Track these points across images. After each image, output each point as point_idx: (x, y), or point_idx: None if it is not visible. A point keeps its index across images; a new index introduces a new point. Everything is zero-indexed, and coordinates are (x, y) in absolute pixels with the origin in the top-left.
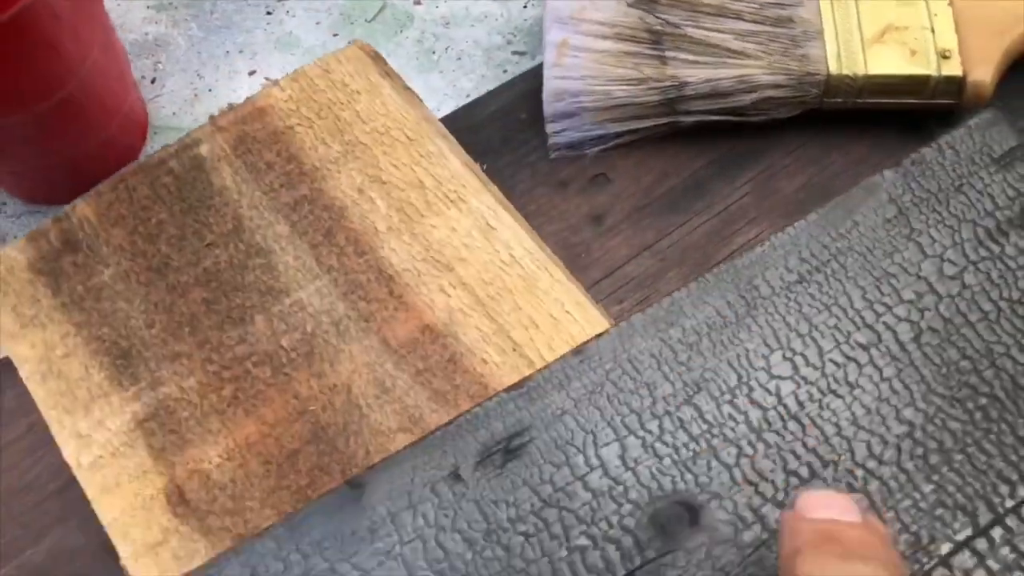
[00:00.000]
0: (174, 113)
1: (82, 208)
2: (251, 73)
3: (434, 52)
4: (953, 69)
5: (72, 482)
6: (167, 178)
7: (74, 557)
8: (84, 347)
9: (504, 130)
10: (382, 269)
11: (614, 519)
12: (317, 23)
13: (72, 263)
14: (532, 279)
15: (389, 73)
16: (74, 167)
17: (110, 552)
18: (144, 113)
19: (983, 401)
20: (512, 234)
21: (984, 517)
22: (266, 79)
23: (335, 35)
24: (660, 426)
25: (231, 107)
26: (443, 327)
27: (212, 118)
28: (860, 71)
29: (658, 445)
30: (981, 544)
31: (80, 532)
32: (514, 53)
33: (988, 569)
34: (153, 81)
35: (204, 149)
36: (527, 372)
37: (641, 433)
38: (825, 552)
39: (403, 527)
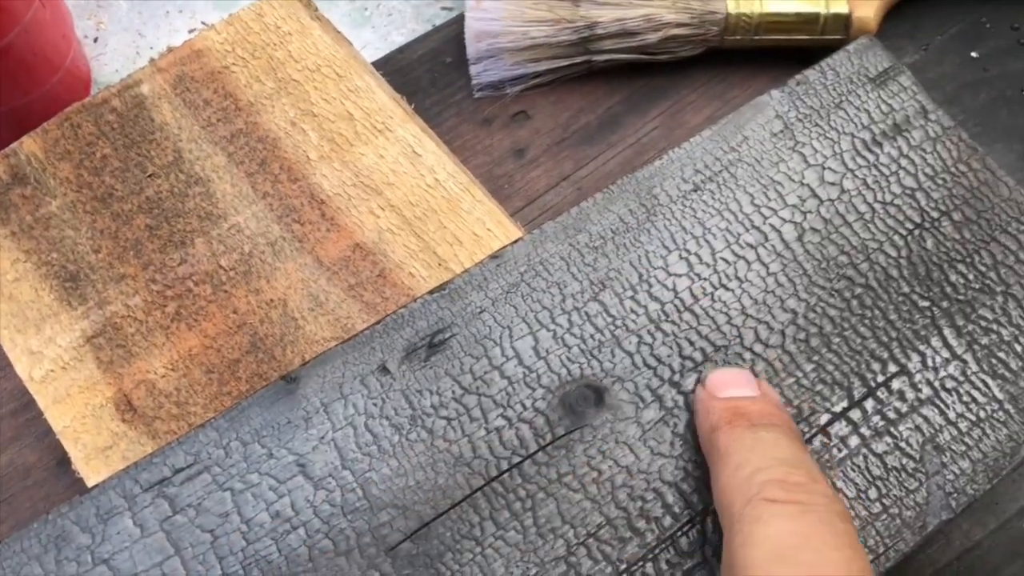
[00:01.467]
0: (116, 71)
1: (29, 144)
2: (191, 31)
3: (366, 9)
4: (840, 7)
5: (27, 404)
6: (111, 116)
7: (29, 472)
8: (34, 272)
9: (431, 72)
10: (314, 194)
11: (528, 402)
12: None
13: (20, 195)
14: (455, 200)
15: (319, 17)
16: (18, 119)
17: (63, 466)
18: (87, 70)
19: (859, 291)
20: (436, 159)
21: (858, 391)
22: (202, 23)
23: None
24: (569, 320)
25: (170, 50)
26: (372, 245)
27: (152, 60)
28: (756, 9)
29: (567, 337)
30: (855, 414)
31: (34, 449)
32: (442, 8)
33: (861, 435)
34: (96, 40)
35: (145, 88)
36: None
37: (552, 327)
38: (737, 425)
39: (335, 415)
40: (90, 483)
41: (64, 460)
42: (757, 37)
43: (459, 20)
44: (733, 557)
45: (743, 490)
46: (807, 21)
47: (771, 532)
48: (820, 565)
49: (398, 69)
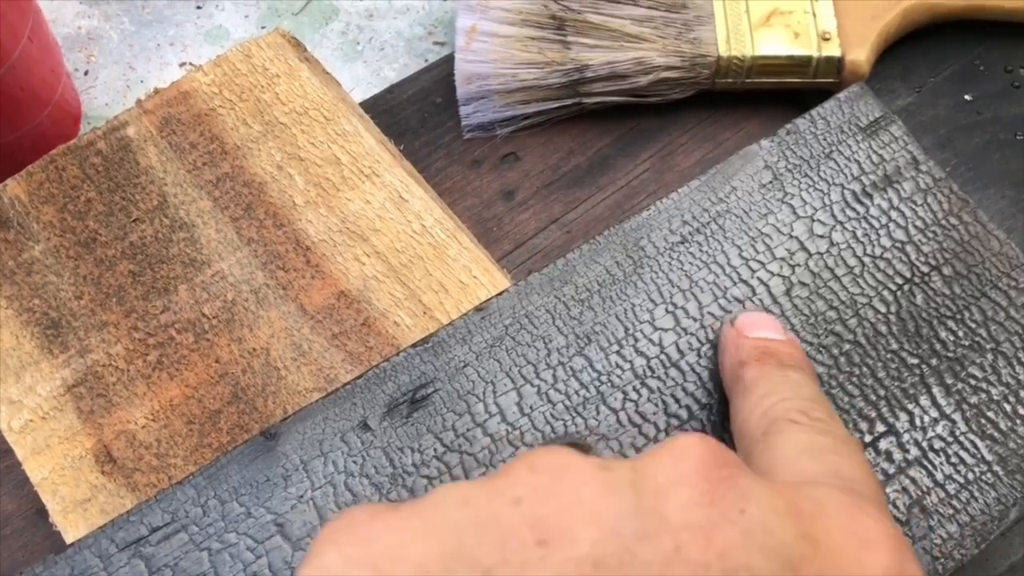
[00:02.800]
0: (107, 104)
1: (12, 187)
2: (182, 65)
3: (358, 43)
4: (833, 50)
5: (5, 452)
6: (95, 158)
7: (8, 521)
8: (15, 318)
9: (420, 113)
10: (300, 240)
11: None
12: (246, 16)
13: (3, 239)
14: (442, 247)
15: (308, 58)
16: (7, 154)
17: (42, 516)
18: (77, 104)
19: (847, 347)
20: (423, 205)
21: None
22: (190, 64)
23: (263, 27)
24: (554, 375)
25: (156, 91)
26: (357, 293)
27: (139, 101)
28: (748, 52)
29: (552, 392)
30: None
31: (13, 498)
32: (435, 43)
33: None
34: (86, 73)
35: (131, 131)
36: None
37: (536, 382)
38: (766, 363)
39: (315, 473)
40: (68, 537)
41: (43, 509)
42: (749, 80)
43: (449, 60)
44: (756, 470)
45: (769, 414)
46: (799, 64)
47: (798, 438)
48: (847, 466)
49: (387, 109)
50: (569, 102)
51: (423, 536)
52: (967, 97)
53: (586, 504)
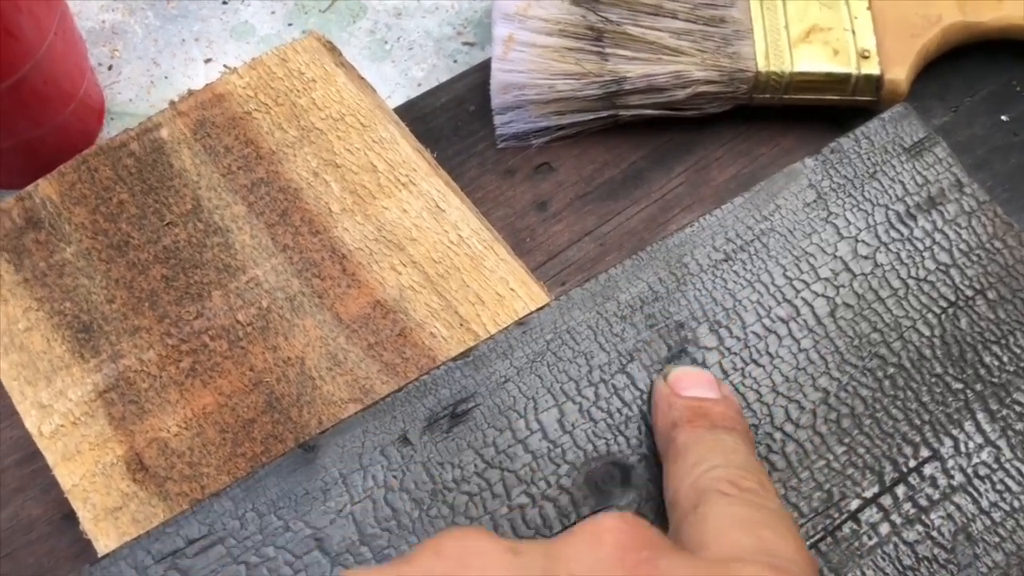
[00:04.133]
0: (131, 100)
1: (44, 187)
2: (207, 61)
3: (386, 42)
4: (872, 68)
5: (32, 455)
6: (128, 160)
7: (33, 527)
8: (46, 321)
9: (454, 121)
10: (335, 248)
11: (552, 479)
12: (272, 12)
13: (35, 240)
14: (479, 258)
15: (343, 63)
16: (31, 150)
17: (68, 521)
18: (101, 99)
19: (891, 370)
20: (460, 215)
21: (889, 476)
22: (224, 67)
23: (289, 24)
24: (596, 392)
25: (191, 93)
26: (393, 303)
27: (172, 103)
28: (787, 69)
29: (593, 410)
30: (886, 500)
31: (39, 503)
32: (464, 43)
33: (892, 523)
34: (110, 68)
35: (164, 133)
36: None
37: (578, 399)
38: (698, 426)
39: (354, 487)
40: (98, 545)
41: (69, 514)
42: (786, 96)
43: (483, 67)
44: (686, 544)
45: (698, 484)
46: (838, 81)
47: (729, 511)
48: (779, 543)
49: (420, 116)
50: (605, 114)
51: None
52: (1004, 118)
53: None
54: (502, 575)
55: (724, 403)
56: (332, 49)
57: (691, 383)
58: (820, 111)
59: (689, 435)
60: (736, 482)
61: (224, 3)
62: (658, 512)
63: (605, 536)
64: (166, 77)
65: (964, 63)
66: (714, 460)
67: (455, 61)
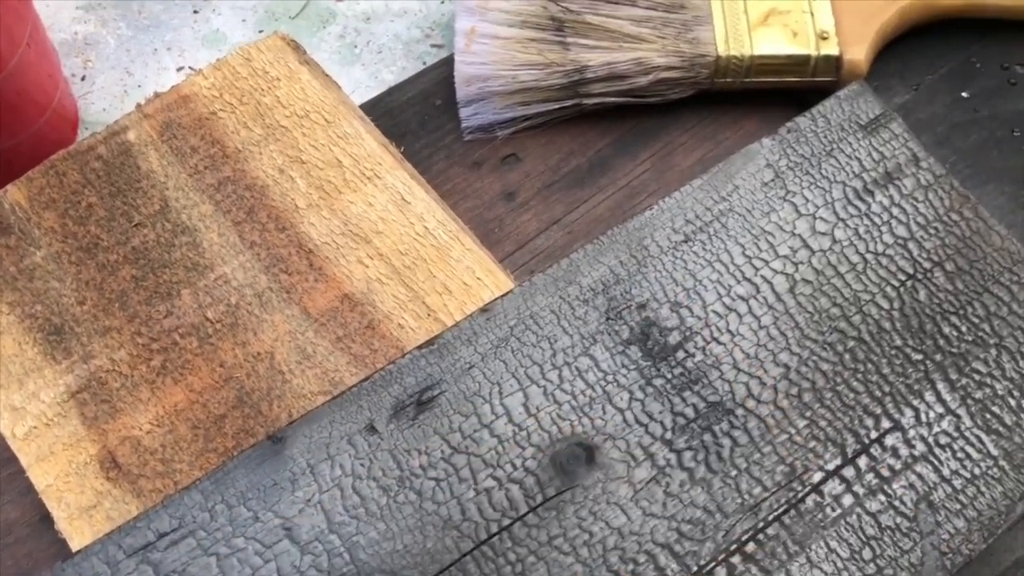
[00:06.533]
0: (104, 109)
1: (13, 193)
2: (179, 69)
3: (356, 46)
4: (831, 49)
5: (9, 459)
6: (96, 163)
7: (11, 530)
8: (18, 325)
9: (421, 115)
10: (302, 243)
11: (518, 462)
12: (243, 20)
13: (4, 245)
14: (445, 249)
15: (308, 61)
16: (4, 161)
17: (47, 522)
18: (75, 109)
19: (851, 344)
20: (425, 207)
21: (851, 448)
22: (190, 68)
23: (260, 31)
24: (560, 375)
25: (156, 95)
26: (361, 296)
27: (139, 106)
28: (747, 52)
29: (558, 393)
30: (849, 472)
31: (16, 505)
32: (432, 46)
33: (854, 494)
34: (83, 78)
35: (131, 135)
36: None
37: (542, 383)
38: None
39: (322, 477)
40: (73, 544)
41: (48, 516)
42: (747, 79)
43: (448, 62)
44: None
45: None
46: (798, 63)
47: None
48: None
49: (387, 111)
50: (569, 103)
51: None
52: (964, 95)
53: None
54: None
55: None
56: (296, 48)
57: None
58: (782, 94)
59: None
60: None
61: (195, 12)
62: (621, 492)
63: None
64: (139, 86)
65: (924, 41)
66: None
67: (424, 63)
